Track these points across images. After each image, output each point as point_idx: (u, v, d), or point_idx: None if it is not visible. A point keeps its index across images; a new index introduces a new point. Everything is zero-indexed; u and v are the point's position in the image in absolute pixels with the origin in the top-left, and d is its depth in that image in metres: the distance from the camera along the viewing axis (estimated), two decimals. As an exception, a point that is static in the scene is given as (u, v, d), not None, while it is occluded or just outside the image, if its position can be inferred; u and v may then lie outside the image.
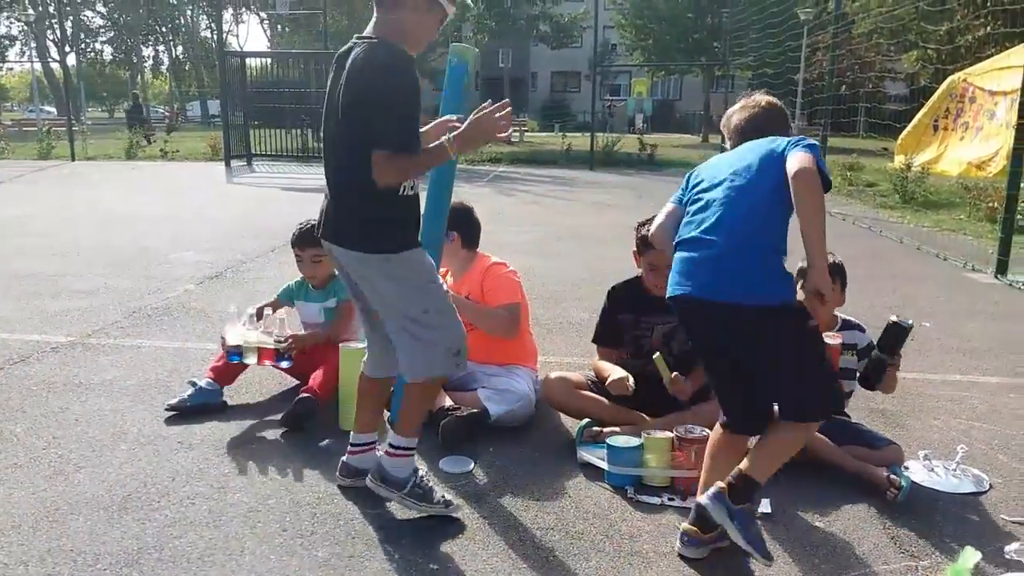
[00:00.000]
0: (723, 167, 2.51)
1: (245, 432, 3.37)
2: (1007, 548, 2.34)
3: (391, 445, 2.67)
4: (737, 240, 2.35)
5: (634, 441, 2.97)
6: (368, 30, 2.48)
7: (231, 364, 3.59)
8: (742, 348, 2.40)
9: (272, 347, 3.54)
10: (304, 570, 2.36)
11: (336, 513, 2.69)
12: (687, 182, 2.63)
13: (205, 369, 3.67)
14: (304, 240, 3.79)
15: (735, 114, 2.74)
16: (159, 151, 19.43)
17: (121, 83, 58.85)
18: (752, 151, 2.49)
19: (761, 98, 2.73)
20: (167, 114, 38.50)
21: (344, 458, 2.88)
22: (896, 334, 2.87)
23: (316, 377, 3.55)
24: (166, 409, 3.51)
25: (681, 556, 2.44)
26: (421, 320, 2.48)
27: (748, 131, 2.64)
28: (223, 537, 2.53)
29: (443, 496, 2.69)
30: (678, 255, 2.47)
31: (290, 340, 3.57)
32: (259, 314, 3.76)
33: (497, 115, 2.44)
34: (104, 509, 2.68)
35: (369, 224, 2.43)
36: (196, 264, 6.87)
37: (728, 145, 2.72)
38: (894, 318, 2.88)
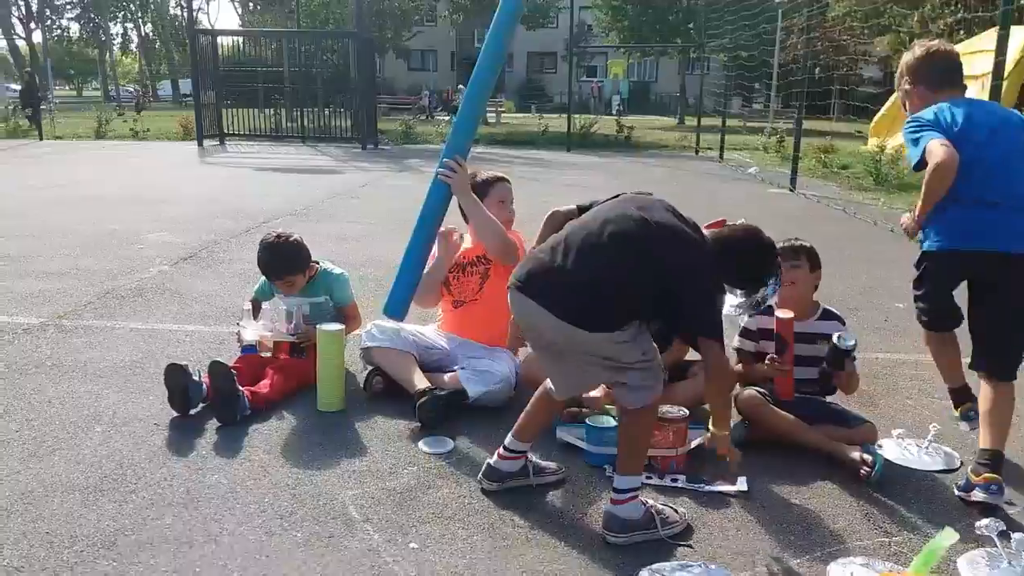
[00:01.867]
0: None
1: (222, 414, 3.33)
2: (978, 524, 2.38)
3: (616, 490, 2.48)
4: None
5: (612, 421, 2.99)
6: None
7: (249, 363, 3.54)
8: None
9: (288, 340, 3.59)
10: (283, 550, 2.35)
11: (315, 494, 2.68)
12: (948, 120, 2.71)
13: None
14: (274, 272, 3.67)
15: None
16: (129, 131, 19.12)
17: (90, 61, 57.73)
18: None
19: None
20: (136, 94, 37.83)
21: (491, 461, 2.75)
22: (835, 354, 3.05)
23: (264, 385, 3.39)
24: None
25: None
26: (641, 359, 2.44)
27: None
28: (201, 518, 2.51)
29: (674, 509, 2.58)
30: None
31: (306, 328, 3.60)
32: (255, 310, 3.79)
33: (735, 450, 2.57)
34: (80, 491, 2.65)
35: (623, 313, 2.39)
36: (169, 245, 6.78)
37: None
38: (835, 339, 3.03)
